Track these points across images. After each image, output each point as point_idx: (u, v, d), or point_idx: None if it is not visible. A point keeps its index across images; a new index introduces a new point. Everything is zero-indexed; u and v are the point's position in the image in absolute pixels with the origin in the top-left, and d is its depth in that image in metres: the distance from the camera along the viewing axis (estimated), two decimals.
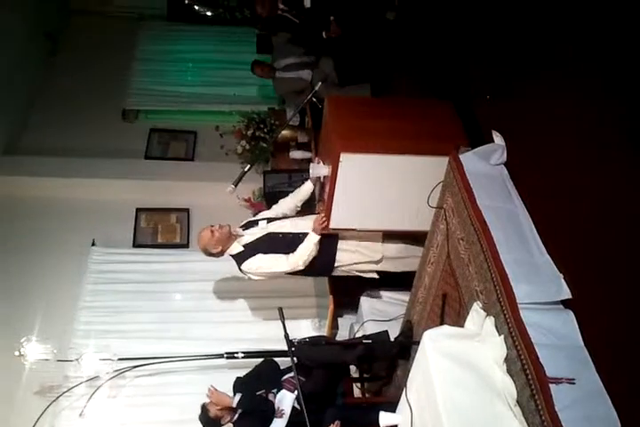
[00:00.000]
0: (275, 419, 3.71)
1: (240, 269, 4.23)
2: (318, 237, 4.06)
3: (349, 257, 4.34)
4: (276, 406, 3.73)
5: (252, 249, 4.15)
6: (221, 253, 4.25)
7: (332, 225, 4.09)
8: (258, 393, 3.82)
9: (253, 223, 4.34)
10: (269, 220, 4.32)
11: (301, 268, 4.13)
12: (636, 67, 2.56)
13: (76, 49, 7.87)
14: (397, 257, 4.34)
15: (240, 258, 4.17)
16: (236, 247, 4.20)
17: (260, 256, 4.12)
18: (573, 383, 2.54)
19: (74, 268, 5.50)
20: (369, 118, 4.01)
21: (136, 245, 5.96)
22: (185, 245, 6.01)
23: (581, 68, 2.97)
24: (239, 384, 3.94)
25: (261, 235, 4.21)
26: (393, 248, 4.35)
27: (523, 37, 3.57)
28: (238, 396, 3.83)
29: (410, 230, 4.16)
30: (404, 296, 4.42)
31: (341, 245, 4.29)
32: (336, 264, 4.34)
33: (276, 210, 4.44)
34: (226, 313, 5.17)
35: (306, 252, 4.08)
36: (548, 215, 3.22)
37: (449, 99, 4.21)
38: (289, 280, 5.24)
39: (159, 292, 5.33)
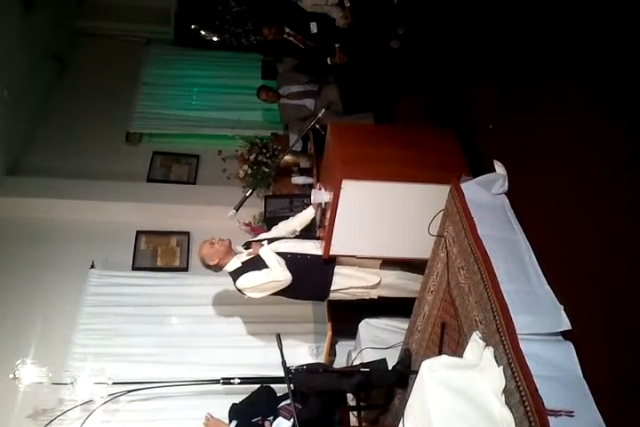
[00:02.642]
0: None
1: (236, 287, 4.23)
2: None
3: (346, 282, 4.33)
4: None
5: (248, 266, 4.17)
6: (218, 267, 4.29)
7: (332, 251, 4.09)
8: (254, 420, 3.78)
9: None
10: (270, 240, 4.32)
11: (290, 279, 4.11)
12: None
13: (82, 71, 7.98)
14: (395, 284, 4.33)
15: (236, 274, 4.19)
16: (234, 263, 4.23)
17: (254, 272, 4.13)
18: (572, 416, 2.52)
19: (72, 290, 5.48)
20: (371, 146, 4.03)
21: (135, 267, 5.94)
22: (184, 269, 6.00)
23: (585, 96, 3.00)
24: (235, 411, 3.91)
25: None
26: (391, 274, 4.35)
27: (524, 68, 3.61)
28: (234, 423, 3.80)
29: (410, 258, 4.15)
30: (402, 324, 4.39)
31: (338, 269, 4.29)
32: (332, 287, 4.32)
33: (275, 233, 4.46)
34: (223, 338, 5.13)
35: (272, 263, 4.11)
36: (549, 246, 3.22)
37: (451, 127, 4.24)
38: (287, 306, 5.23)
39: (157, 315, 5.31)
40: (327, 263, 4.24)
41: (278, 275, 4.09)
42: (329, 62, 5.84)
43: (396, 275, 4.34)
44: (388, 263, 4.37)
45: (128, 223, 6.30)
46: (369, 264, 4.34)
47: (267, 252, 4.15)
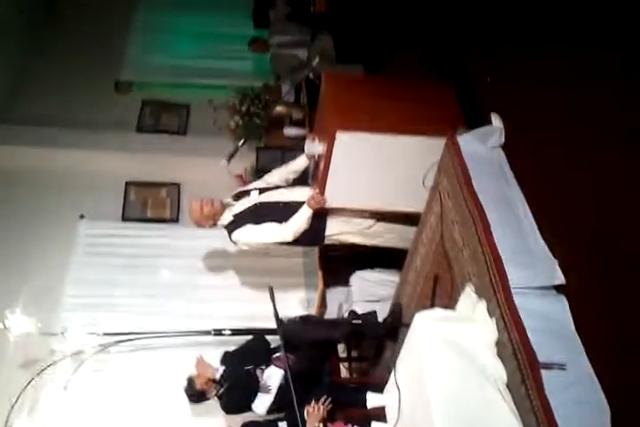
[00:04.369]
0: (260, 394, 3.70)
1: (230, 239, 4.19)
2: (311, 212, 4.01)
3: (340, 226, 4.29)
4: (263, 382, 3.71)
5: (241, 219, 4.13)
6: (214, 225, 4.23)
7: (326, 204, 4.04)
8: (246, 368, 3.80)
9: (244, 193, 4.29)
10: (261, 190, 4.26)
11: (290, 240, 4.09)
12: None
13: (71, 15, 7.73)
14: (388, 232, 4.30)
15: (230, 228, 4.15)
16: (227, 217, 4.19)
17: (249, 227, 4.10)
18: (564, 369, 2.52)
19: (61, 240, 5.46)
20: (367, 97, 3.94)
21: (125, 218, 5.89)
22: (175, 220, 5.95)
23: (584, 47, 2.92)
24: (226, 358, 3.92)
25: (251, 204, 4.18)
26: (384, 224, 4.31)
27: (525, 16, 3.50)
28: (222, 369, 3.81)
29: (403, 211, 4.11)
30: (394, 277, 4.39)
31: (332, 215, 4.26)
32: (327, 233, 4.29)
33: (267, 180, 4.38)
34: (214, 290, 5.15)
35: (297, 224, 4.04)
36: (543, 200, 3.18)
37: (448, 79, 4.15)
38: (279, 259, 5.23)
39: (148, 266, 5.30)
40: (320, 214, 4.20)
41: (286, 235, 4.06)
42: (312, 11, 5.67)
43: (389, 225, 4.30)
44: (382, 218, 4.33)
45: (117, 174, 6.20)
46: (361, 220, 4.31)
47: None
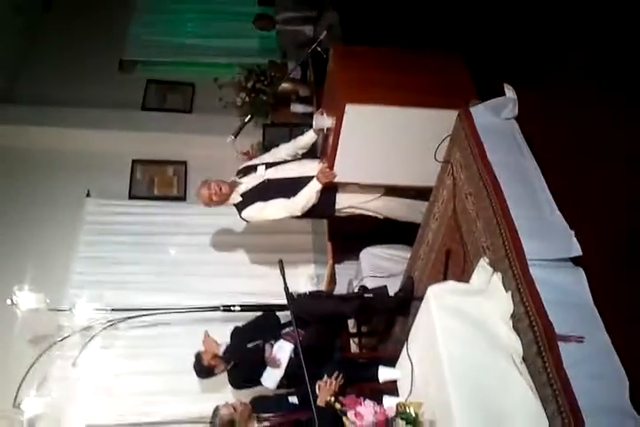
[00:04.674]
0: (269, 368, 3.69)
1: (241, 217, 4.19)
2: (320, 186, 3.96)
3: (350, 198, 4.25)
4: (272, 355, 3.69)
5: (250, 197, 4.10)
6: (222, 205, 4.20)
7: (335, 178, 3.99)
8: (254, 343, 3.78)
9: (251, 169, 4.24)
10: (267, 165, 4.20)
11: (299, 214, 4.07)
12: None
13: None
14: (398, 205, 4.24)
15: (240, 207, 4.13)
16: (235, 197, 4.14)
17: (259, 204, 4.08)
18: (582, 342, 2.48)
19: (68, 218, 5.42)
20: (376, 69, 3.88)
21: (132, 196, 5.85)
22: (182, 198, 5.90)
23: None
24: (235, 333, 3.91)
25: (259, 182, 4.13)
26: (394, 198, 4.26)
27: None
28: (225, 345, 3.80)
29: (415, 186, 4.06)
30: (404, 253, 4.36)
31: (341, 190, 4.21)
32: (337, 207, 4.25)
33: (275, 154, 4.32)
34: (223, 267, 5.11)
35: (305, 199, 4.02)
36: (559, 172, 3.12)
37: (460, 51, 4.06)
38: (287, 235, 5.20)
39: (155, 244, 5.27)
40: (329, 188, 4.15)
41: (295, 210, 4.02)
42: None
43: (402, 200, 4.25)
44: (392, 192, 4.27)
45: (123, 152, 6.15)
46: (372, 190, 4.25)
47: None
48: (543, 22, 3.31)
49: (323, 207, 4.15)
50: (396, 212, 4.27)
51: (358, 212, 4.28)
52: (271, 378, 3.65)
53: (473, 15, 4.08)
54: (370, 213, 4.28)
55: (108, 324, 4.30)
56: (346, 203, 4.21)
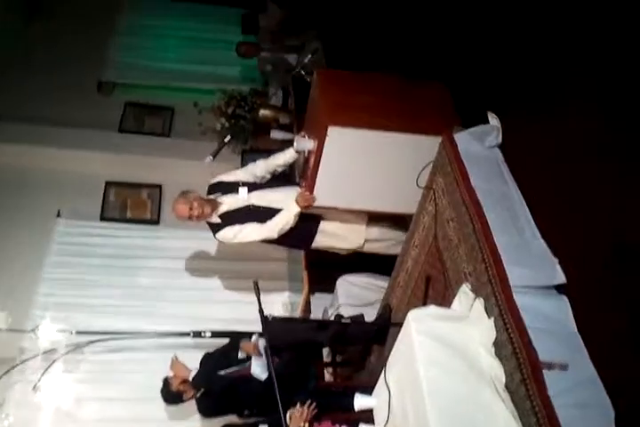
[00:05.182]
0: (254, 357, 3.64)
1: (215, 237, 4.08)
2: (298, 210, 3.89)
3: (329, 241, 4.21)
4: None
5: (229, 219, 3.99)
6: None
7: (315, 202, 3.92)
8: (225, 371, 3.64)
9: (227, 187, 4.11)
10: (249, 187, 4.10)
11: (275, 237, 3.98)
12: None
13: (56, 15, 7.57)
14: (379, 240, 4.20)
15: (216, 227, 4.02)
16: (214, 217, 4.04)
17: (237, 227, 3.97)
18: (566, 369, 2.42)
19: (37, 238, 5.29)
20: (360, 93, 3.85)
21: (103, 218, 5.72)
22: (155, 222, 5.78)
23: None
24: (204, 359, 3.79)
25: (242, 206, 4.03)
26: (376, 231, 4.21)
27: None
28: (194, 371, 3.67)
29: (396, 212, 4.00)
30: (381, 282, 4.28)
31: (323, 225, 4.14)
32: (314, 245, 4.23)
33: (251, 171, 4.20)
34: (195, 292, 4.99)
35: (283, 221, 3.94)
36: (542, 200, 3.10)
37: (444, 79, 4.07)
38: (262, 263, 5.10)
39: (126, 267, 5.14)
40: (311, 221, 4.10)
41: (273, 231, 3.96)
42: None
43: (382, 231, 4.21)
44: (375, 221, 4.23)
45: (97, 174, 6.05)
46: (355, 223, 4.20)
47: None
48: (529, 53, 3.32)
49: (300, 238, 4.08)
50: (379, 250, 4.25)
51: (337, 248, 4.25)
52: (259, 367, 3.52)
53: (458, 44, 4.10)
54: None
55: (73, 347, 4.13)
56: (325, 243, 4.19)
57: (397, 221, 4.19)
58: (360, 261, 4.55)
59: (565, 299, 2.70)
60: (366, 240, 4.21)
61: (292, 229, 3.99)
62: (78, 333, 4.15)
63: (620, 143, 2.57)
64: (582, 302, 2.67)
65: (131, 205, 5.92)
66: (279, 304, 4.87)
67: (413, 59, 4.68)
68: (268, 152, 5.92)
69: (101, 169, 6.08)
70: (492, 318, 2.68)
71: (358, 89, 3.91)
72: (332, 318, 3.96)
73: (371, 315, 4.00)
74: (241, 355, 3.81)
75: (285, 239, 4.10)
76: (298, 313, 4.68)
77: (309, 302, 4.68)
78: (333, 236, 4.21)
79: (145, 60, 7.50)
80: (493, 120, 3.52)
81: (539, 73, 3.20)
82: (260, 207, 4.02)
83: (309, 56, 4.57)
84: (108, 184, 6.03)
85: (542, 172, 3.16)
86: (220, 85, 6.95)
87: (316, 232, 4.11)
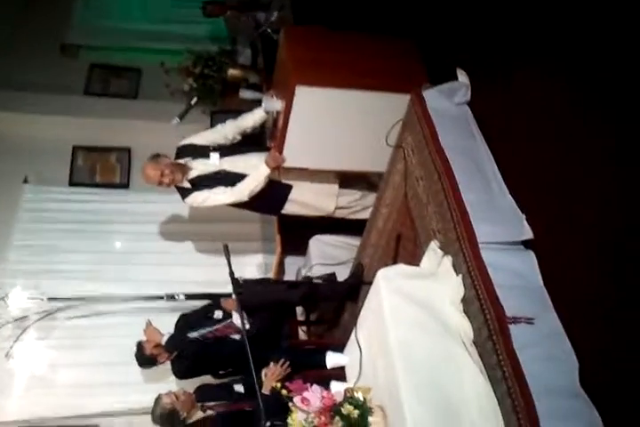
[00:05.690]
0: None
1: (183, 200, 4.03)
2: (269, 171, 3.85)
3: (299, 210, 4.19)
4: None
5: (199, 184, 3.94)
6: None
7: (285, 163, 3.89)
8: (196, 332, 3.66)
9: (200, 151, 4.04)
10: (221, 153, 4.03)
11: (246, 199, 3.94)
12: None
13: None
14: (350, 207, 4.19)
15: (185, 191, 3.96)
16: (183, 182, 3.98)
17: (205, 191, 3.92)
18: (532, 323, 2.46)
19: (4, 206, 5.17)
20: (328, 51, 3.79)
21: (72, 183, 5.61)
22: (125, 186, 5.67)
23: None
24: (179, 321, 3.79)
25: (214, 171, 3.98)
26: (347, 199, 4.22)
27: None
28: (167, 335, 3.68)
29: (366, 171, 3.99)
30: (354, 241, 4.30)
31: (293, 195, 4.13)
32: (283, 212, 4.23)
33: (219, 132, 4.11)
34: (167, 255, 4.95)
35: (253, 183, 3.90)
36: (510, 156, 3.10)
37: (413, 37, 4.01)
38: (235, 224, 5.07)
39: (96, 232, 5.06)
40: (282, 188, 4.08)
41: (242, 194, 3.91)
42: None
43: (353, 198, 4.19)
44: (347, 188, 4.21)
45: (64, 138, 5.89)
46: (325, 190, 4.18)
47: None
48: (501, 13, 3.27)
49: (270, 205, 4.07)
50: (349, 216, 4.26)
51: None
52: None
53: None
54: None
55: (44, 314, 4.10)
56: (294, 212, 4.18)
57: (370, 187, 4.17)
58: (334, 222, 4.54)
59: (532, 254, 2.73)
60: (337, 208, 4.19)
61: (261, 197, 3.96)
62: (50, 299, 4.11)
63: (587, 99, 2.56)
64: (549, 256, 2.70)
65: (100, 169, 5.81)
66: (253, 265, 4.86)
67: (382, 15, 4.60)
68: (237, 112, 5.86)
69: (68, 133, 5.91)
70: (461, 275, 2.70)
71: (326, 47, 3.85)
72: (304, 277, 3.97)
73: (344, 274, 4.02)
74: (217, 315, 3.83)
75: (255, 206, 4.09)
76: (272, 274, 4.69)
77: (283, 263, 4.69)
78: (304, 205, 4.20)
79: (108, 21, 7.22)
80: (462, 77, 3.48)
81: (508, 31, 3.16)
82: (231, 173, 3.97)
83: (276, 13, 4.44)
84: (76, 148, 5.88)
85: (510, 128, 3.15)
86: (188, 45, 6.77)
87: (285, 201, 4.09)
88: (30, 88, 6.07)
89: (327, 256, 4.29)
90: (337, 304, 3.91)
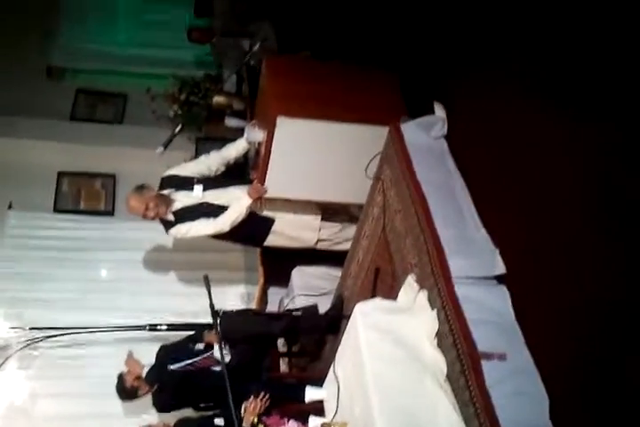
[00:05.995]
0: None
1: (167, 232, 4.07)
2: (250, 202, 3.90)
3: (282, 242, 4.25)
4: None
5: (182, 216, 3.97)
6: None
7: (266, 194, 3.93)
8: (178, 365, 3.66)
9: (183, 183, 4.07)
10: (205, 185, 4.06)
11: (227, 229, 3.97)
12: None
13: None
14: (332, 240, 4.24)
15: (169, 224, 4.00)
16: (167, 214, 4.01)
17: (188, 223, 3.95)
18: (505, 359, 2.49)
19: None
20: (309, 83, 3.86)
21: (57, 210, 5.63)
22: (110, 213, 5.71)
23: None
24: (159, 353, 3.79)
25: (196, 203, 4.01)
26: (329, 231, 4.27)
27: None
28: (147, 368, 3.68)
29: (347, 202, 4.04)
30: (336, 272, 4.31)
31: (275, 227, 4.18)
32: (265, 244, 4.29)
33: (204, 163, 4.15)
34: (151, 284, 4.94)
35: (234, 214, 3.94)
36: (485, 190, 3.15)
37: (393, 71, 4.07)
38: (218, 253, 5.08)
39: (80, 260, 5.07)
40: (265, 221, 4.12)
41: (224, 224, 3.94)
42: None
43: (335, 231, 4.24)
44: (328, 220, 4.26)
45: (49, 164, 5.91)
46: (307, 223, 4.24)
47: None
48: (478, 44, 3.33)
49: (252, 238, 4.12)
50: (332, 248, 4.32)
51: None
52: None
53: (408, 32, 4.09)
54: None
55: (26, 343, 4.09)
56: (277, 243, 4.24)
57: (351, 219, 4.21)
58: (317, 253, 4.56)
59: (505, 289, 2.77)
60: (319, 240, 4.23)
61: (244, 229, 4.01)
62: (32, 329, 4.10)
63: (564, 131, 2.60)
64: (521, 291, 2.73)
65: (84, 195, 5.84)
66: (236, 295, 4.87)
67: (364, 47, 4.67)
68: (222, 140, 5.91)
69: (53, 159, 5.93)
70: (435, 310, 2.73)
71: (307, 78, 3.91)
72: (286, 310, 3.99)
73: (327, 304, 4.03)
74: (198, 346, 3.83)
75: (238, 238, 4.15)
76: (254, 304, 4.70)
77: (266, 294, 4.71)
78: (286, 237, 4.25)
79: (95, 44, 7.30)
80: (439, 111, 3.54)
81: (485, 63, 3.23)
82: (214, 205, 4.00)
83: (258, 44, 4.50)
84: (61, 174, 5.92)
85: (485, 161, 3.20)
86: (174, 70, 6.84)
87: (268, 234, 4.15)
88: (16, 112, 6.10)
89: (310, 287, 4.31)
90: (318, 337, 3.92)
